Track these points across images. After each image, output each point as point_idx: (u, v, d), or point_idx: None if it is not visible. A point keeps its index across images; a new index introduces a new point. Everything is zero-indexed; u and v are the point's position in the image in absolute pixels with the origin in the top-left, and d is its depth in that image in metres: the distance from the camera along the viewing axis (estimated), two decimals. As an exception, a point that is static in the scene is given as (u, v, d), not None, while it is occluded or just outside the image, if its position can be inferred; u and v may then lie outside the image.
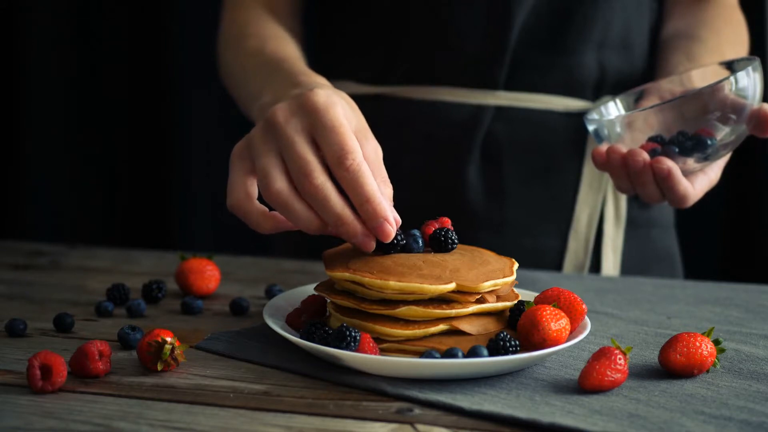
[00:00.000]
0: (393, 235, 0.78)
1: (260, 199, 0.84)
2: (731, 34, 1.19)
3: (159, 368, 0.75)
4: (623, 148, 0.96)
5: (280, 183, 0.79)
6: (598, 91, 1.19)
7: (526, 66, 1.16)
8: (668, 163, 0.93)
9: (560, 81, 1.17)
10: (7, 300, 0.98)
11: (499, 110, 1.17)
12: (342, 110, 0.81)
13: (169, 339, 0.75)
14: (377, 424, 0.66)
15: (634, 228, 1.22)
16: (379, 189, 0.79)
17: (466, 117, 1.16)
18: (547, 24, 1.16)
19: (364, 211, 0.77)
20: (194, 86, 1.84)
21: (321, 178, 0.78)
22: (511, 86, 1.17)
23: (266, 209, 0.84)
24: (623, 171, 0.96)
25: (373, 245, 0.79)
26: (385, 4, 1.19)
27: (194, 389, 0.72)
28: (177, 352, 0.75)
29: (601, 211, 1.20)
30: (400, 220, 0.79)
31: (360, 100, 1.19)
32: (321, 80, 0.92)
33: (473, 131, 1.16)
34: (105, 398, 0.70)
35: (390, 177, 1.18)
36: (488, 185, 1.17)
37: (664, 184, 0.94)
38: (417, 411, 0.69)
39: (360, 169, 0.78)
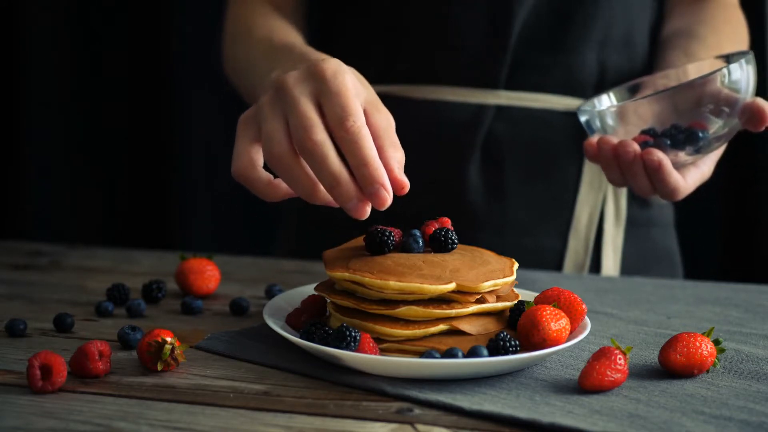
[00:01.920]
0: (389, 202, 0.76)
1: (265, 166, 0.84)
2: (731, 32, 1.19)
3: (159, 368, 0.75)
4: (614, 140, 0.96)
5: (283, 145, 0.79)
6: (598, 91, 1.18)
7: (527, 65, 1.16)
8: (659, 155, 0.93)
9: (561, 80, 1.17)
10: (7, 300, 0.98)
11: (500, 110, 1.17)
12: (351, 79, 0.80)
13: (169, 339, 0.75)
14: (377, 424, 0.66)
15: (634, 227, 1.22)
16: (388, 152, 0.78)
17: (466, 116, 1.16)
18: (548, 23, 1.16)
19: (360, 175, 0.76)
20: (194, 86, 1.84)
21: (321, 135, 0.77)
22: (511, 85, 1.17)
23: (271, 177, 0.83)
24: (614, 162, 0.96)
25: (366, 211, 0.77)
26: (385, 3, 1.19)
27: (194, 389, 0.72)
28: (177, 352, 0.75)
29: (601, 210, 1.20)
30: (407, 185, 0.78)
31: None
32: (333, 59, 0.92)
33: (474, 130, 1.16)
34: (105, 398, 0.70)
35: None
36: (489, 185, 1.17)
37: (655, 176, 0.94)
38: (417, 411, 0.69)
39: (360, 132, 0.77)
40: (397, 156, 0.79)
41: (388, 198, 0.76)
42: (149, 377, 0.74)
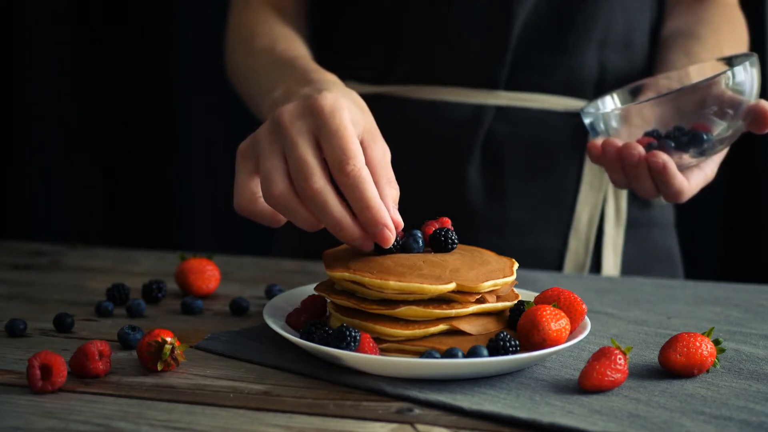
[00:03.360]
0: (393, 240, 0.78)
1: None
2: (731, 33, 1.19)
3: (159, 368, 0.75)
4: (619, 142, 0.96)
5: (281, 186, 0.80)
6: (599, 91, 1.18)
7: (527, 66, 1.16)
8: (663, 157, 0.93)
9: (561, 81, 1.17)
10: (7, 300, 0.98)
11: (500, 110, 1.17)
12: (348, 114, 0.81)
13: (169, 339, 0.75)
14: (377, 424, 0.66)
15: (634, 228, 1.22)
16: (384, 190, 0.80)
17: (466, 117, 1.16)
18: (548, 24, 1.16)
19: (363, 218, 0.78)
20: (194, 86, 1.84)
21: (320, 183, 0.78)
22: (511, 86, 1.17)
23: (272, 211, 0.85)
24: (618, 164, 0.96)
25: (371, 246, 0.79)
26: (385, 3, 1.19)
27: (194, 389, 0.72)
28: (177, 352, 0.75)
29: (601, 211, 1.20)
30: (402, 224, 0.80)
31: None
32: (332, 78, 0.92)
33: (474, 131, 1.16)
34: (105, 398, 0.70)
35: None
36: (489, 185, 1.17)
37: (659, 178, 0.94)
38: (417, 411, 0.69)
39: (360, 175, 0.78)
40: (393, 194, 0.81)
41: (392, 237, 0.78)
42: (149, 377, 0.74)
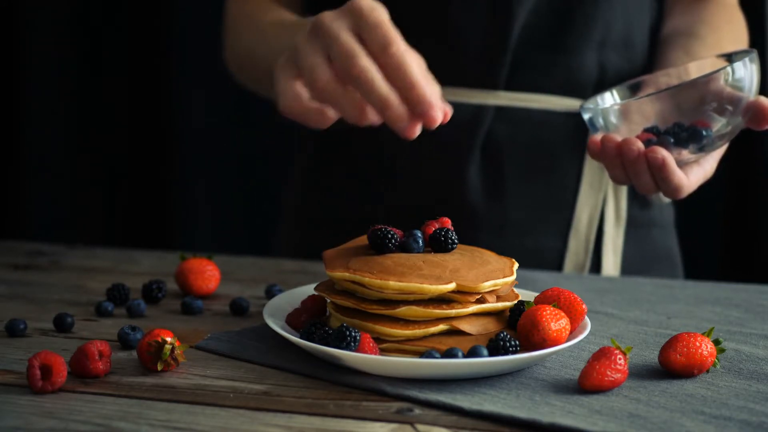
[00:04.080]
0: (440, 120, 0.78)
1: None
2: (730, 32, 1.19)
3: (159, 368, 0.75)
4: (618, 138, 0.96)
5: (326, 74, 0.80)
6: (598, 91, 1.18)
7: (527, 66, 1.16)
8: (663, 153, 0.93)
9: (561, 81, 1.17)
10: (7, 300, 0.98)
11: (500, 110, 1.17)
12: (385, 13, 0.82)
13: (169, 339, 0.75)
14: (377, 424, 0.66)
15: (634, 228, 1.22)
16: (430, 86, 0.80)
17: (466, 117, 1.16)
18: (548, 24, 1.16)
19: (410, 97, 0.77)
20: (195, 86, 1.84)
21: (365, 61, 0.78)
22: (511, 86, 1.16)
23: (319, 105, 0.84)
24: (617, 160, 0.95)
25: (416, 131, 0.79)
26: (384, 3, 1.19)
27: (194, 389, 0.72)
28: (177, 352, 0.75)
29: (601, 211, 1.20)
30: (451, 112, 0.80)
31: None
32: None
33: (474, 131, 1.16)
34: (105, 398, 0.70)
35: (390, 177, 1.19)
36: (489, 185, 1.17)
37: (659, 174, 0.94)
38: (417, 411, 0.69)
39: (404, 56, 0.78)
40: (437, 89, 0.80)
41: (439, 117, 0.78)
42: (149, 377, 0.74)
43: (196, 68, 1.83)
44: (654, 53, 1.21)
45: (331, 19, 0.81)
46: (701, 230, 1.69)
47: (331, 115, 0.84)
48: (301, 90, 0.84)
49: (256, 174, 1.90)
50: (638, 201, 1.22)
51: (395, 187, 1.19)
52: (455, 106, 1.16)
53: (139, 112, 1.85)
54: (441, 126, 1.16)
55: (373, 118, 0.81)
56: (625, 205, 1.20)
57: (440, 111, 0.78)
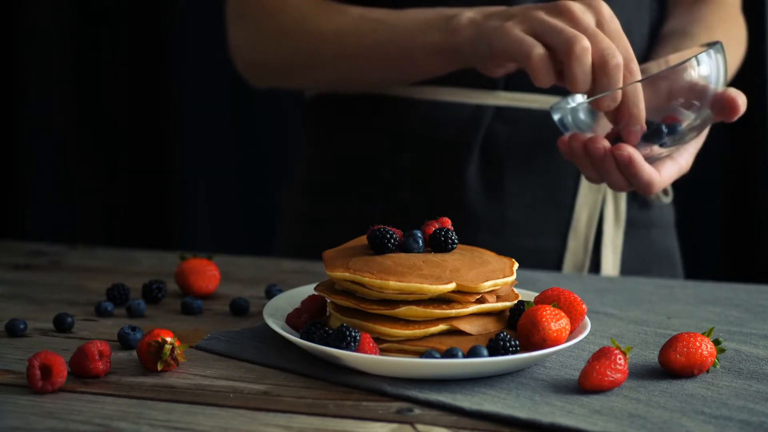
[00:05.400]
0: (638, 140, 0.92)
1: None
2: (726, 31, 1.19)
3: (159, 368, 0.75)
4: (585, 136, 0.95)
5: (584, 40, 0.89)
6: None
7: (527, 66, 1.16)
8: (629, 150, 0.92)
9: (561, 81, 1.17)
10: (7, 300, 0.98)
11: (499, 110, 1.17)
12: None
13: (169, 339, 0.75)
14: (377, 424, 0.66)
15: (633, 228, 1.22)
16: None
17: (466, 117, 1.16)
18: (548, 24, 1.16)
19: (629, 112, 0.90)
20: (195, 86, 1.84)
21: (619, 60, 0.89)
22: (510, 86, 1.16)
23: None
24: (586, 159, 0.95)
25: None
26: (384, 3, 1.19)
27: (194, 389, 0.72)
28: (177, 352, 0.75)
29: (600, 211, 1.20)
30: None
31: (360, 100, 1.20)
32: None
33: (473, 131, 1.16)
34: (105, 398, 0.70)
35: (390, 177, 1.19)
36: (488, 185, 1.17)
37: (627, 171, 0.93)
38: (417, 411, 0.69)
39: (638, 77, 0.90)
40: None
41: (639, 137, 0.92)
42: (149, 377, 0.74)
43: (196, 68, 1.83)
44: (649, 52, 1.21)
45: (579, 9, 0.92)
46: (701, 230, 1.69)
47: (540, 51, 0.91)
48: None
49: (256, 174, 1.90)
50: (638, 202, 1.22)
51: (395, 187, 1.19)
52: (455, 106, 1.17)
53: (139, 112, 1.85)
54: (440, 126, 1.17)
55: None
56: (625, 205, 1.20)
57: (640, 133, 0.93)
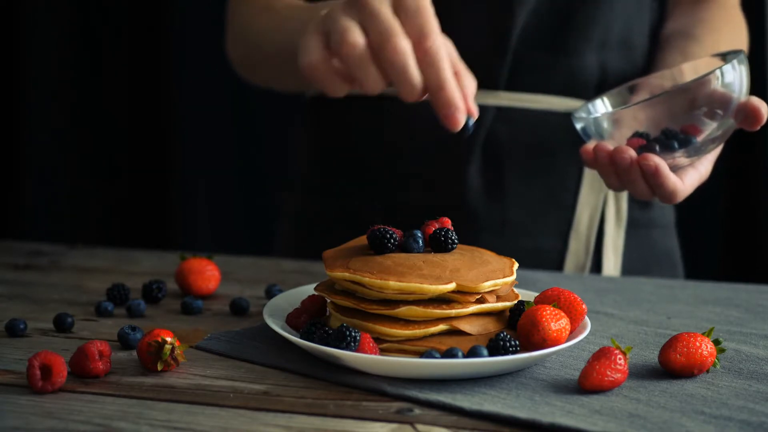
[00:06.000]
0: (463, 123, 0.77)
1: None
2: (729, 33, 1.19)
3: (159, 368, 0.75)
4: (610, 146, 0.96)
5: (360, 39, 0.76)
6: (599, 92, 1.18)
7: (528, 66, 1.16)
8: (655, 160, 0.93)
9: (561, 81, 1.17)
10: (7, 300, 0.98)
11: (500, 111, 1.17)
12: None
13: (169, 339, 0.75)
14: (377, 424, 0.66)
15: (634, 228, 1.22)
16: (464, 80, 0.78)
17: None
18: (549, 24, 1.16)
19: (436, 99, 0.76)
20: (194, 87, 1.84)
21: (404, 43, 0.75)
22: (512, 87, 1.16)
23: (341, 68, 0.80)
24: (611, 168, 0.96)
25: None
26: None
27: (194, 389, 0.72)
28: (177, 352, 0.75)
29: (601, 211, 1.20)
30: (477, 114, 0.79)
31: (360, 100, 1.20)
32: None
33: (474, 131, 1.16)
34: (105, 398, 0.70)
35: (390, 177, 1.19)
36: (489, 185, 1.17)
37: (653, 180, 0.94)
38: (417, 411, 0.69)
39: (439, 53, 0.76)
40: (472, 86, 0.79)
41: (462, 121, 0.77)
42: (149, 377, 0.74)
43: (196, 68, 1.83)
44: (653, 54, 1.21)
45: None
46: (701, 230, 1.69)
47: (349, 82, 0.80)
48: (328, 53, 0.80)
49: (255, 174, 1.90)
50: (638, 202, 1.22)
51: (395, 187, 1.19)
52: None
53: (138, 112, 1.85)
54: (441, 126, 1.17)
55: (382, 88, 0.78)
56: (626, 205, 1.20)
57: (463, 114, 0.77)
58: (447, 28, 1.15)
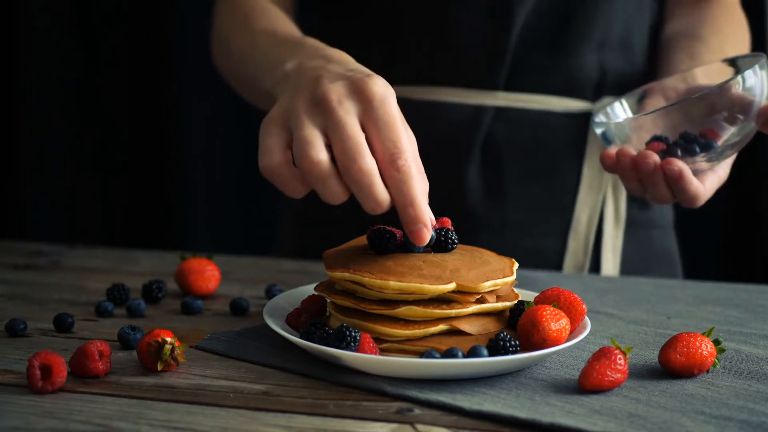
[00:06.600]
0: (428, 240, 0.76)
1: None
2: (733, 33, 1.19)
3: (159, 368, 0.75)
4: (633, 151, 0.96)
5: (323, 155, 0.76)
6: (598, 92, 1.19)
7: (527, 66, 1.16)
8: (679, 164, 0.93)
9: (560, 81, 1.17)
10: (7, 300, 0.98)
11: (499, 111, 1.17)
12: (396, 104, 0.79)
13: (169, 339, 0.75)
14: (377, 424, 0.66)
15: (633, 228, 1.22)
16: (422, 187, 0.77)
17: (466, 118, 1.16)
18: (548, 24, 1.16)
19: (405, 214, 0.75)
20: (194, 86, 1.84)
21: (370, 163, 0.75)
22: (511, 87, 1.17)
23: (301, 176, 0.79)
24: (633, 173, 0.96)
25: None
26: (384, 3, 1.19)
27: (194, 389, 0.72)
28: (177, 352, 0.75)
29: (600, 211, 1.20)
30: (434, 221, 0.78)
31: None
32: (345, 55, 0.88)
33: (473, 132, 1.16)
34: (105, 398, 0.70)
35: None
36: (488, 186, 1.17)
37: (676, 185, 0.94)
38: (417, 411, 0.69)
39: (410, 171, 0.75)
40: (425, 188, 0.78)
41: (428, 237, 0.76)
42: (149, 377, 0.74)
43: (196, 68, 1.83)
44: (656, 55, 1.21)
45: (338, 98, 0.78)
46: (701, 230, 1.69)
47: (309, 188, 0.80)
48: (289, 155, 0.79)
49: (255, 174, 1.90)
50: (637, 202, 1.22)
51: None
52: (454, 106, 1.17)
53: (138, 112, 1.85)
54: (440, 127, 1.17)
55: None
56: (625, 206, 1.20)
57: (430, 231, 0.76)
58: (447, 28, 1.16)
